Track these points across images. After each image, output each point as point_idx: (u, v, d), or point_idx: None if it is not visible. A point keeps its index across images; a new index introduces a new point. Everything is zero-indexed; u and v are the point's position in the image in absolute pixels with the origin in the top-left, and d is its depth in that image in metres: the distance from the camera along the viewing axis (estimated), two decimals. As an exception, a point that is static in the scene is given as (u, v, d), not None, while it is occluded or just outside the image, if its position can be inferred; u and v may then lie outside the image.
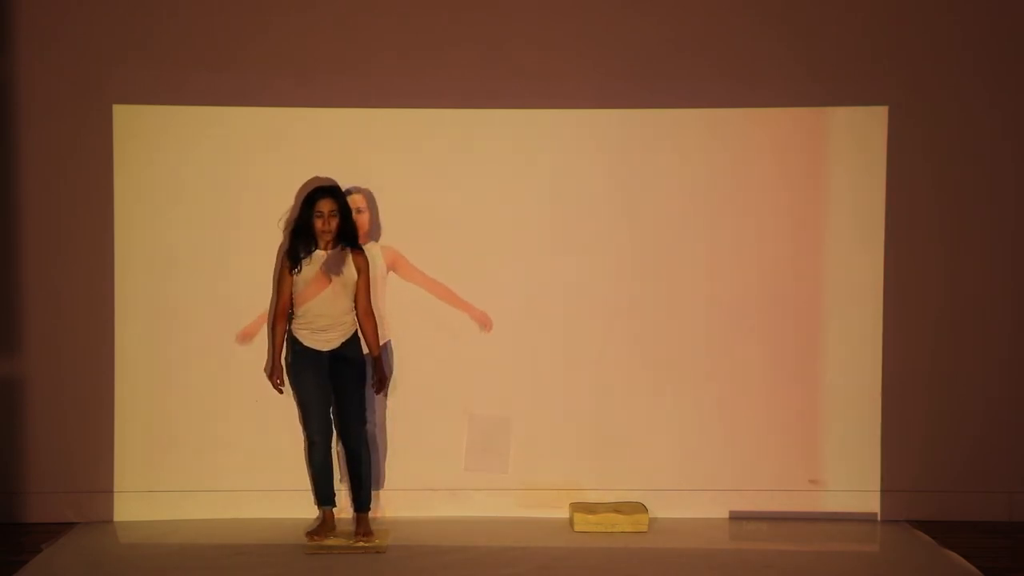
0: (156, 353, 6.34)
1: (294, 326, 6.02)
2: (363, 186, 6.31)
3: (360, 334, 6.07)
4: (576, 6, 6.38)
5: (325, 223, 5.92)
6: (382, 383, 6.14)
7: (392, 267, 6.35)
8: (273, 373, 6.07)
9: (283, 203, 6.27)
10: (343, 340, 5.99)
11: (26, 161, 6.28)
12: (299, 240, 5.97)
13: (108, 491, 6.35)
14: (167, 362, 6.35)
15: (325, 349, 5.99)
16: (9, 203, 6.29)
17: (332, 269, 5.96)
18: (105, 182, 6.29)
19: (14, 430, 6.35)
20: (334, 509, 6.14)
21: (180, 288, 6.33)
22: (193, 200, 6.32)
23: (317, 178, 6.21)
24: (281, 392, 6.10)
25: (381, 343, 6.13)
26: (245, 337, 6.36)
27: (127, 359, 6.33)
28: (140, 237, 6.32)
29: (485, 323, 6.43)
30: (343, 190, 6.12)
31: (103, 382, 6.33)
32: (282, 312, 6.03)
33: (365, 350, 6.08)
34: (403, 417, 6.37)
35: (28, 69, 6.25)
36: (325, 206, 5.93)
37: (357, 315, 6.04)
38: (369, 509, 6.12)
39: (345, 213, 6.00)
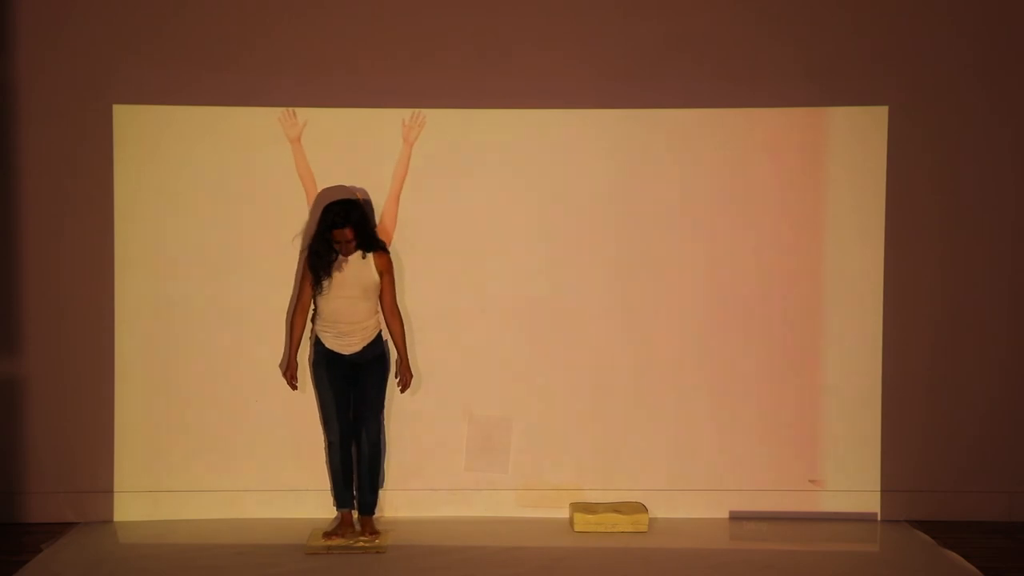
0: (156, 353, 6.34)
1: (318, 327, 6.03)
2: (360, 186, 6.31)
3: (387, 334, 6.07)
4: (574, 6, 6.38)
5: (344, 247, 5.88)
6: (406, 384, 6.16)
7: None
8: (288, 370, 6.11)
9: (283, 203, 6.28)
10: (364, 344, 5.98)
11: (26, 161, 6.28)
12: (319, 260, 5.90)
13: (108, 491, 6.35)
14: (167, 362, 6.35)
15: (346, 353, 6.00)
16: (9, 203, 6.29)
17: (354, 275, 5.94)
18: (105, 182, 6.29)
19: (14, 430, 6.35)
20: (353, 512, 6.12)
21: (180, 288, 6.33)
22: (193, 200, 6.32)
23: (333, 189, 6.20)
24: (294, 389, 6.13)
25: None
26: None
27: (127, 359, 6.33)
28: (140, 237, 6.32)
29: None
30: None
31: (103, 382, 6.33)
32: (302, 310, 6.04)
33: (392, 350, 6.13)
34: (403, 417, 6.37)
35: (28, 69, 6.25)
36: (341, 236, 5.82)
37: (384, 315, 6.04)
38: (372, 514, 6.09)
39: (362, 225, 5.87)
